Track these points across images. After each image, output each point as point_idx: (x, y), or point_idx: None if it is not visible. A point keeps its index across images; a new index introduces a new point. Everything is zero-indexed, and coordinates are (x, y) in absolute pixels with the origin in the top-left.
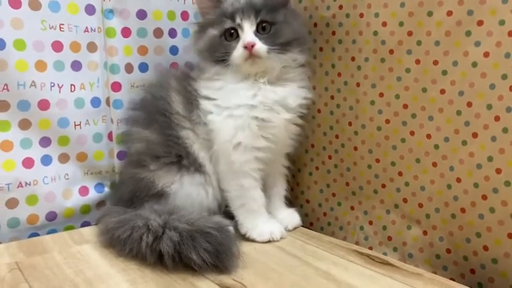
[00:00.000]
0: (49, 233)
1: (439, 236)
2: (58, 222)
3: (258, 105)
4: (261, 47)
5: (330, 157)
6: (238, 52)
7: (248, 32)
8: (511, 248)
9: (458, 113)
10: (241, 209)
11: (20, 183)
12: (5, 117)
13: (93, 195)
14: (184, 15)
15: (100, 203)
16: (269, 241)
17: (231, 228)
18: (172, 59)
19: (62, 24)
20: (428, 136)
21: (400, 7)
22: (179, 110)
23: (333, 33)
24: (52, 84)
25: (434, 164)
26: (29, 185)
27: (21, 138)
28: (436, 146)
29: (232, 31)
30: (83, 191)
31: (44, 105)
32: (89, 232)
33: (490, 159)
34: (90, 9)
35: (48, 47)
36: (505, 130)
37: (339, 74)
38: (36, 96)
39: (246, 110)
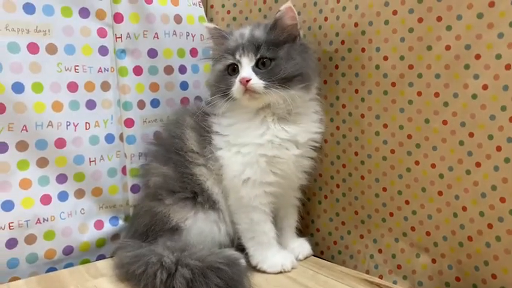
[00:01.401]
0: (66, 267)
1: (448, 264)
2: (74, 256)
3: (265, 144)
4: (256, 82)
5: (338, 186)
6: (236, 86)
7: (245, 67)
8: None
9: (461, 143)
10: (252, 242)
11: (38, 219)
12: (24, 156)
13: (108, 228)
14: (193, 52)
15: (115, 236)
16: (280, 272)
17: (242, 261)
18: (182, 94)
19: (77, 66)
20: (433, 165)
21: (400, 42)
22: (193, 148)
23: (336, 66)
24: (68, 123)
25: (440, 193)
26: (47, 220)
27: (39, 176)
28: (441, 175)
29: (234, 66)
30: (98, 224)
31: (60, 143)
32: (104, 265)
33: (493, 188)
34: (103, 50)
35: (64, 88)
36: (507, 160)
37: (343, 106)
38: (53, 135)
39: (254, 148)
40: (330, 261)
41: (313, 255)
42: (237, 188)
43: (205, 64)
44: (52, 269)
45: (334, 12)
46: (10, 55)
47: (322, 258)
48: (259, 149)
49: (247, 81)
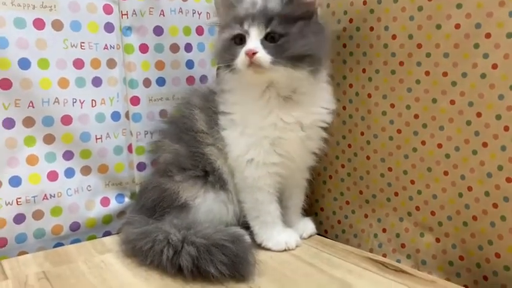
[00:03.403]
0: (73, 242)
1: (452, 243)
2: (81, 232)
3: (269, 126)
4: (262, 55)
5: (343, 166)
6: (241, 58)
7: (253, 39)
8: None
9: (468, 123)
10: (257, 220)
11: (45, 195)
12: (31, 132)
13: (114, 205)
14: (199, 30)
15: (121, 213)
16: (284, 250)
17: (246, 237)
18: (188, 73)
19: (83, 43)
20: (439, 145)
21: (409, 20)
22: (203, 128)
23: (344, 45)
24: (74, 100)
25: (446, 173)
26: (54, 197)
27: (46, 153)
28: (447, 155)
29: (241, 37)
30: (105, 201)
31: (66, 120)
32: (111, 241)
33: (500, 168)
34: (109, 27)
35: (70, 65)
36: None
37: (350, 85)
38: (60, 112)
39: (256, 130)
40: (333, 240)
41: (317, 234)
42: (241, 168)
43: (211, 42)
44: (59, 244)
45: None
46: (16, 30)
47: (326, 237)
48: (261, 130)
49: (254, 53)
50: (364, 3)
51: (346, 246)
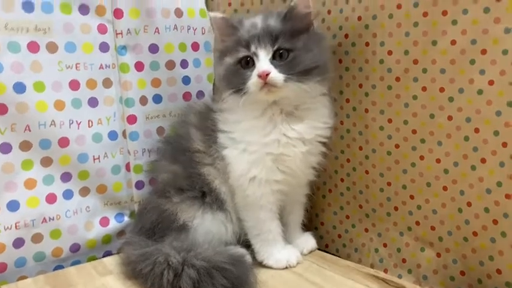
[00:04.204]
0: (73, 264)
1: (453, 259)
2: (81, 254)
3: (272, 143)
4: (276, 76)
5: (342, 180)
6: (253, 81)
7: (263, 60)
8: None
9: (466, 138)
10: (258, 238)
11: (44, 218)
12: (28, 156)
13: (113, 225)
14: (195, 46)
15: (120, 232)
16: (286, 267)
17: (247, 257)
18: (185, 89)
19: (78, 64)
20: (438, 161)
21: (404, 36)
22: (199, 148)
23: (340, 61)
24: (71, 122)
25: (445, 188)
26: (53, 219)
27: (44, 176)
28: (446, 171)
29: (248, 59)
30: (104, 221)
31: (64, 142)
32: (111, 262)
33: (499, 184)
34: (104, 47)
35: (66, 86)
36: None
37: (347, 100)
38: (57, 134)
39: (260, 147)
40: (334, 255)
41: (318, 249)
42: (244, 186)
43: (206, 58)
44: (59, 267)
45: (337, 5)
46: (11, 55)
47: (327, 252)
48: (265, 147)
49: (267, 74)
50: (359, 18)
51: (348, 262)
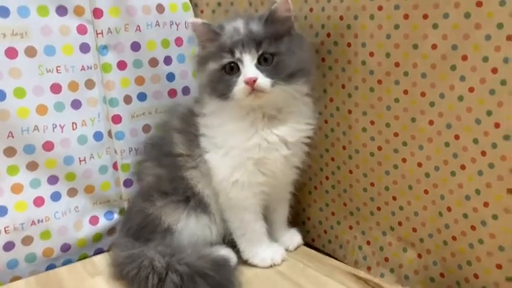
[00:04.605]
0: (65, 262)
1: (433, 260)
2: (72, 253)
3: (253, 148)
4: (264, 81)
5: (327, 178)
6: (239, 87)
7: (248, 66)
8: (499, 278)
9: (447, 144)
10: (242, 238)
11: (33, 221)
12: (13, 161)
13: (103, 223)
14: (179, 41)
15: (111, 230)
16: (271, 266)
17: (232, 260)
18: (169, 86)
19: (59, 67)
20: (419, 164)
21: (386, 38)
22: (182, 151)
23: (323, 59)
24: (54, 126)
25: (426, 192)
26: (42, 221)
27: (30, 179)
28: (427, 175)
29: (232, 65)
30: (93, 220)
31: (48, 146)
32: (101, 261)
33: (477, 192)
34: (84, 48)
35: (47, 90)
36: (491, 165)
37: (331, 100)
38: (40, 139)
39: (241, 152)
40: (320, 249)
41: (305, 243)
42: (227, 190)
43: (193, 50)
44: (51, 266)
45: (319, 2)
46: None
47: (313, 246)
48: (246, 152)
49: (254, 81)
50: (341, 18)
51: (332, 260)
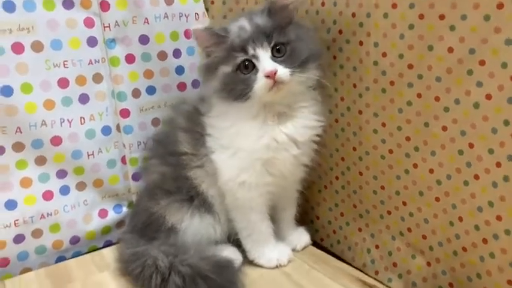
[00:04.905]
0: (74, 254)
1: (442, 270)
2: (82, 245)
3: (262, 148)
4: (283, 71)
5: (337, 178)
6: (260, 83)
7: (265, 60)
8: None
9: (460, 152)
10: (248, 239)
11: (42, 214)
12: (22, 156)
13: (112, 216)
14: (188, 34)
15: (120, 223)
16: (276, 267)
17: (236, 260)
18: (179, 79)
19: (66, 61)
20: (431, 171)
21: (399, 39)
22: (186, 150)
23: (334, 57)
24: (62, 120)
25: (437, 199)
26: (51, 215)
27: (39, 174)
28: (439, 182)
29: (246, 63)
30: (102, 213)
31: (56, 141)
32: (110, 254)
33: (490, 204)
34: (92, 41)
35: (55, 85)
36: (506, 178)
37: (342, 99)
38: (48, 133)
39: (250, 153)
40: (329, 249)
41: (314, 242)
42: (233, 191)
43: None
44: (61, 258)
45: None
46: None
47: (322, 245)
48: (255, 153)
49: (275, 73)
50: (353, 15)
51: (339, 262)
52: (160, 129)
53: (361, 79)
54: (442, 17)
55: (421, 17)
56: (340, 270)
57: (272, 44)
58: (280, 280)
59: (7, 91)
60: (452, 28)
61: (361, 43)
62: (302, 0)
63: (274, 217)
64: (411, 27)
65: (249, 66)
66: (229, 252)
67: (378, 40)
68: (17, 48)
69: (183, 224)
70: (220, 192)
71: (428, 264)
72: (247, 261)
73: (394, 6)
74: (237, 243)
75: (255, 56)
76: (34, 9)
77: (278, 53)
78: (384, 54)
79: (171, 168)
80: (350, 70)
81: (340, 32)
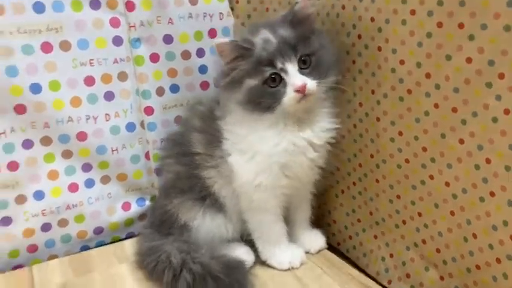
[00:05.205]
0: (98, 243)
1: (455, 285)
2: (105, 235)
3: (280, 153)
4: (312, 84)
5: (354, 183)
6: (289, 96)
7: (294, 74)
8: None
9: (477, 167)
10: (261, 239)
11: (68, 205)
12: (49, 150)
13: (135, 209)
14: (212, 33)
15: (142, 216)
16: (289, 269)
17: (248, 261)
18: (202, 78)
19: (92, 60)
20: (447, 184)
21: (417, 46)
22: (199, 151)
23: (353, 62)
24: (87, 117)
25: (452, 213)
26: (76, 206)
27: (65, 167)
28: (454, 196)
29: (274, 76)
30: (126, 206)
31: (82, 136)
32: (130, 246)
33: (505, 223)
34: (117, 41)
35: (81, 83)
36: None
37: (360, 104)
38: (74, 129)
39: (267, 157)
40: (345, 255)
41: (330, 246)
42: (249, 193)
43: None
44: (85, 247)
45: (351, 0)
46: (25, 57)
47: (338, 250)
48: (272, 157)
49: (305, 87)
50: (372, 19)
51: (352, 269)
52: (175, 129)
53: (379, 85)
54: (461, 25)
55: (440, 25)
56: (352, 278)
57: (298, 57)
58: (291, 283)
59: (36, 88)
60: (471, 38)
61: (379, 49)
62: (324, 4)
63: (288, 219)
64: (429, 35)
65: (277, 79)
66: (242, 252)
67: (396, 47)
68: (46, 47)
69: (196, 222)
70: (234, 194)
71: (442, 278)
72: (260, 261)
73: (413, 12)
74: (251, 243)
75: (284, 70)
76: (62, 10)
77: (304, 64)
78: (402, 62)
79: (185, 168)
80: (369, 76)
81: (359, 36)
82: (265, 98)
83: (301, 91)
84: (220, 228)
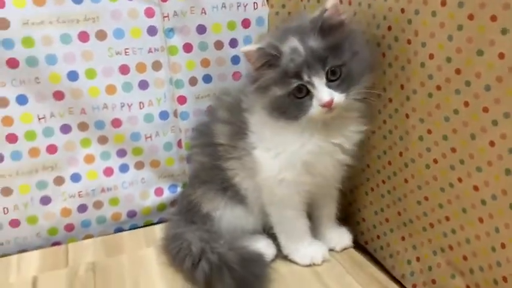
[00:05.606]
0: (131, 226)
1: None
2: (138, 218)
3: (306, 153)
4: (339, 99)
5: (383, 182)
6: (315, 110)
7: (321, 88)
8: None
9: (507, 172)
10: (283, 234)
11: (103, 188)
12: (86, 135)
13: (167, 195)
14: (246, 23)
15: (174, 202)
16: (310, 265)
17: (268, 254)
18: (234, 69)
19: (127, 49)
20: (476, 188)
21: (447, 40)
22: (223, 142)
23: (383, 55)
24: (122, 105)
25: (481, 220)
26: (111, 189)
27: (101, 152)
28: (483, 202)
29: (301, 87)
30: (158, 192)
31: (116, 123)
32: (161, 230)
33: None
34: (152, 31)
35: (116, 71)
36: None
37: (390, 100)
38: (109, 116)
39: (293, 154)
40: (372, 255)
41: (358, 245)
42: (272, 187)
43: (259, 35)
44: (119, 229)
45: None
46: (63, 46)
47: (365, 249)
48: (298, 155)
49: (331, 102)
50: (402, 11)
51: (375, 270)
52: (202, 119)
53: (408, 80)
54: (493, 18)
55: (471, 17)
56: (375, 279)
57: (326, 69)
58: (309, 279)
59: (73, 76)
60: (504, 32)
61: (409, 41)
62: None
63: (312, 214)
64: (460, 28)
65: (303, 90)
66: (263, 245)
67: (426, 40)
68: (83, 36)
69: (218, 213)
70: (256, 186)
71: (468, 287)
72: (282, 255)
73: (443, 3)
74: (273, 236)
75: (310, 83)
76: (99, 1)
77: (333, 75)
78: (431, 56)
79: (208, 158)
80: (398, 69)
81: (390, 28)
82: (290, 108)
83: (327, 106)
84: (240, 219)
